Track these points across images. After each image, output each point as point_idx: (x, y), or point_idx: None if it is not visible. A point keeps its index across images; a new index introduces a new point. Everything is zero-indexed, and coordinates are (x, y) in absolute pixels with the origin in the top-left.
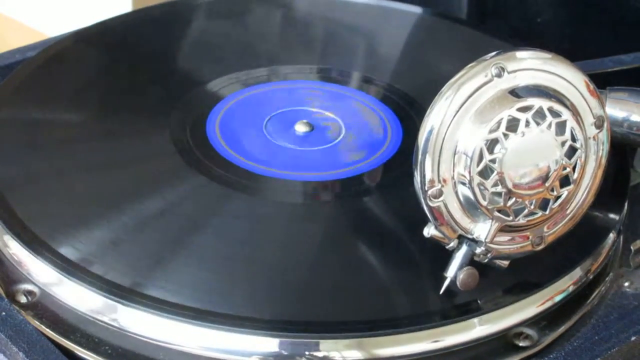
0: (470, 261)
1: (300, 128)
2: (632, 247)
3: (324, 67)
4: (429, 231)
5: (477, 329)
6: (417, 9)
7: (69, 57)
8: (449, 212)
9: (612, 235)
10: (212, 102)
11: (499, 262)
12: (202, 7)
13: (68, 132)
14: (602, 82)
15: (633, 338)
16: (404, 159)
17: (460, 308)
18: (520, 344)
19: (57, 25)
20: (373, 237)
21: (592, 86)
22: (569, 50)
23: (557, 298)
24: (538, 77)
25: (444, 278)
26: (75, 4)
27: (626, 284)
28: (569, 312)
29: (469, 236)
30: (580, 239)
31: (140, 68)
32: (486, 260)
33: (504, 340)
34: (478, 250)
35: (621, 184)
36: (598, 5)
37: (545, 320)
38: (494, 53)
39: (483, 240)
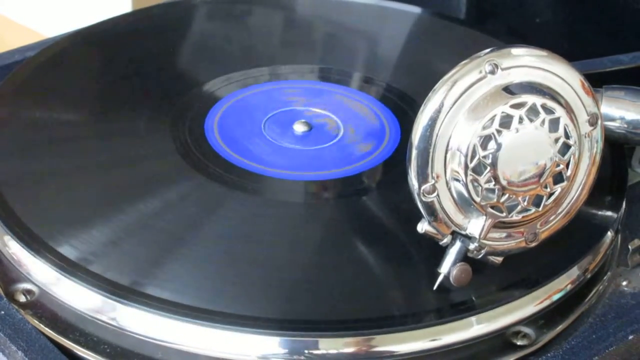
0: (464, 257)
1: (299, 127)
2: (629, 246)
3: (322, 67)
4: (423, 227)
5: (475, 327)
6: (415, 9)
7: (69, 57)
8: (442, 208)
9: (610, 234)
10: (211, 102)
11: (492, 258)
12: (201, 7)
13: (67, 132)
14: (601, 82)
15: (631, 337)
16: (402, 157)
17: (458, 306)
18: (518, 343)
19: (56, 26)
20: (372, 237)
21: (586, 84)
22: (568, 50)
23: (555, 297)
24: (532, 75)
25: (438, 274)
26: (75, 5)
27: (624, 282)
28: (566, 311)
29: (463, 232)
30: (578, 238)
31: (140, 68)
32: (480, 257)
33: (502, 339)
34: (471, 246)
35: (619, 183)
36: (596, 5)
37: (543, 319)
38: (488, 50)
39: (476, 237)
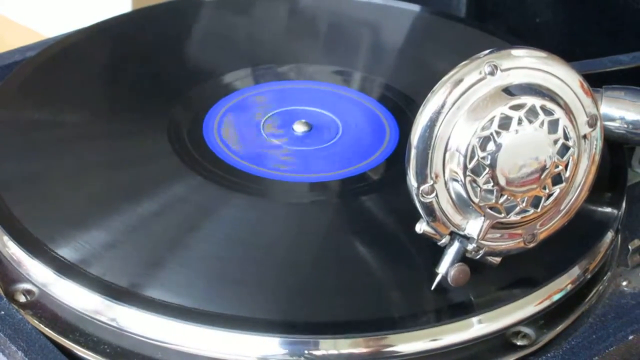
0: (462, 258)
1: (299, 128)
2: (630, 246)
3: (321, 67)
4: (421, 227)
5: (476, 327)
6: (415, 8)
7: (69, 57)
8: (441, 208)
9: (610, 234)
10: (210, 102)
11: (490, 259)
12: (201, 7)
13: (66, 133)
14: (600, 82)
15: (631, 337)
16: (402, 158)
17: (458, 307)
18: (518, 343)
19: (56, 27)
20: (371, 237)
21: (586, 85)
22: (568, 50)
23: (555, 297)
24: (532, 76)
25: (436, 274)
26: (75, 4)
27: (624, 283)
28: (566, 311)
29: (461, 233)
30: (578, 238)
31: (139, 68)
32: (478, 257)
33: (502, 339)
34: (470, 247)
35: (619, 183)
36: (596, 5)
37: (543, 319)
38: (487, 51)
39: (475, 237)
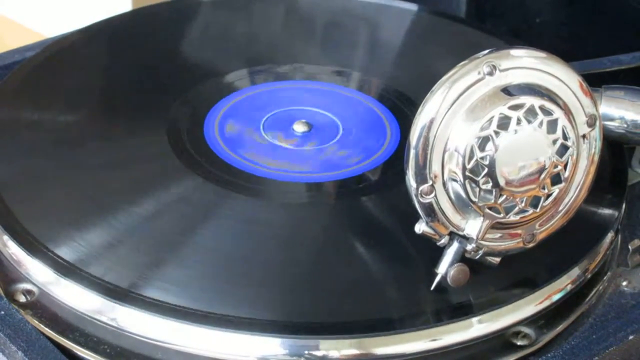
0: (462, 258)
1: (299, 128)
2: (630, 246)
3: (322, 67)
4: (421, 227)
5: (475, 327)
6: (415, 7)
7: (68, 56)
8: (440, 208)
9: (610, 235)
10: (210, 102)
11: (490, 259)
12: (201, 6)
13: (66, 133)
14: (600, 82)
15: (631, 337)
16: (402, 158)
17: (458, 307)
18: (518, 343)
19: (56, 26)
20: (372, 238)
21: (585, 85)
22: (568, 50)
23: (555, 297)
24: (530, 76)
25: (435, 274)
26: (75, 5)
27: (624, 283)
28: (566, 311)
29: (460, 233)
30: (579, 238)
31: (139, 68)
32: (477, 257)
33: (502, 339)
34: (469, 247)
35: (619, 183)
36: (596, 5)
37: (543, 319)
38: (486, 51)
39: (474, 237)
